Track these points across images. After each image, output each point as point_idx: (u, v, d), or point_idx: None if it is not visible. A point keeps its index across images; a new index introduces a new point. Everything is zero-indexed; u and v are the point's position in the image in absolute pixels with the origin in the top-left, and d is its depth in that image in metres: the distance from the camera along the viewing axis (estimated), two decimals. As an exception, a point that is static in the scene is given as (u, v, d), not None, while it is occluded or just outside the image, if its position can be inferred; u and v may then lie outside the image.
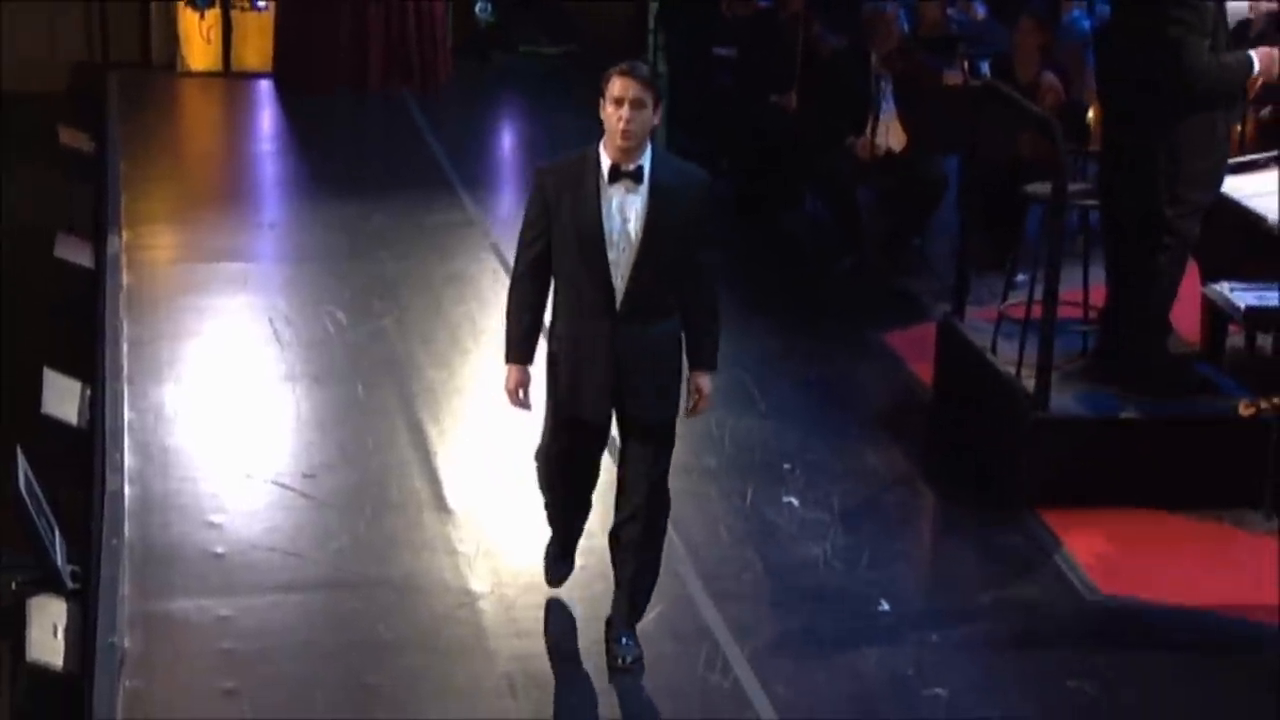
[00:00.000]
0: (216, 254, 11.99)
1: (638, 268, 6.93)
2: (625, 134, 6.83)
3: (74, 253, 11.61)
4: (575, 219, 6.92)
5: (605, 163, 6.94)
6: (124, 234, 12.08)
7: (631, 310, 6.97)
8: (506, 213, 13.07)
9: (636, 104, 6.83)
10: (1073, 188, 9.05)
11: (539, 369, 7.22)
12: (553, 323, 7.14)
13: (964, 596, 8.08)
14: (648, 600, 7.31)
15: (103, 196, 12.82)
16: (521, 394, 7.20)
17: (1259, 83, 8.77)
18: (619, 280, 6.95)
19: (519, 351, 7.18)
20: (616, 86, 6.85)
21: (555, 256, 7.02)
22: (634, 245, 6.92)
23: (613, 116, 6.86)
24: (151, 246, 12.07)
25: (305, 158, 14.27)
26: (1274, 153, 9.67)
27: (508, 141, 15.11)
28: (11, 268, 11.24)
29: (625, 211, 6.91)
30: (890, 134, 12.17)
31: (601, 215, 6.91)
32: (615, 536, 7.25)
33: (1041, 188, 9.13)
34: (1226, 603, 7.93)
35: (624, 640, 7.19)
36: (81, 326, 10.77)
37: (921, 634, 7.69)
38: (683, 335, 7.13)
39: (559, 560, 7.66)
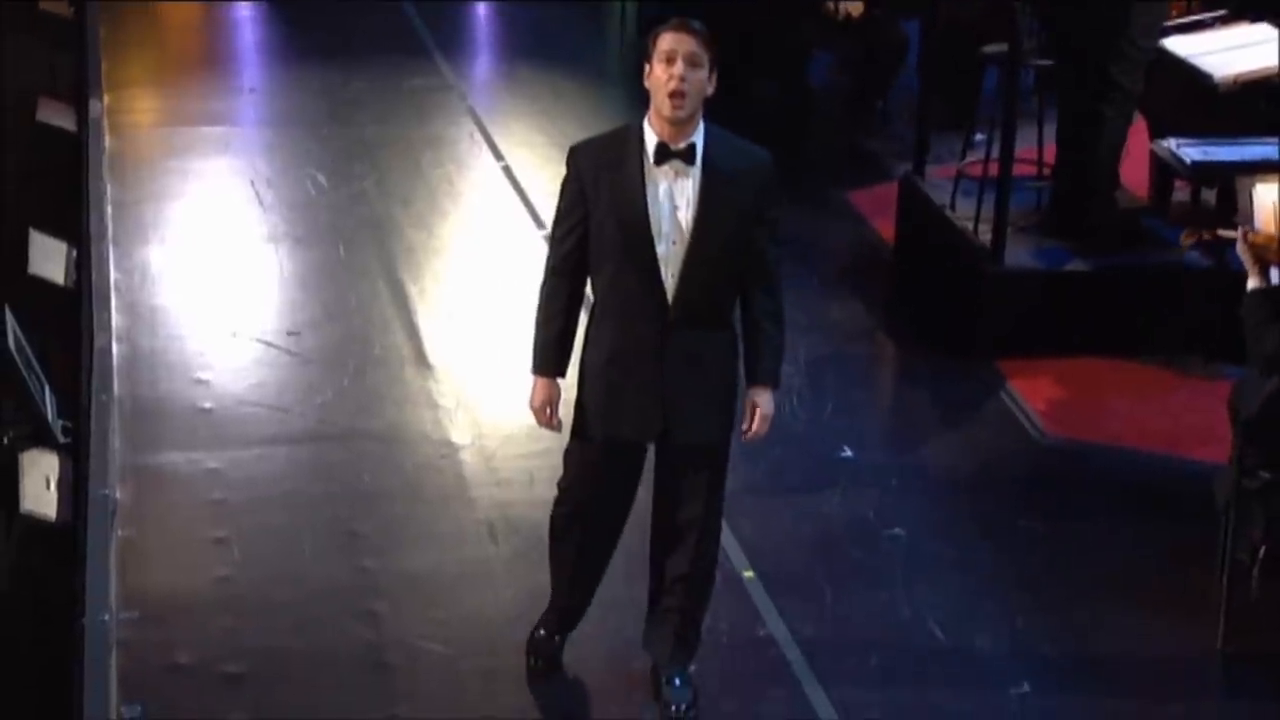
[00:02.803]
0: (197, 118, 12.05)
1: (690, 264, 5.84)
2: (676, 96, 5.72)
3: (57, 116, 11.59)
4: (616, 207, 5.83)
5: (651, 141, 5.83)
6: (105, 98, 12.13)
7: (685, 315, 5.88)
8: (482, 77, 13.23)
9: (691, 61, 5.74)
10: (1029, 49, 9.20)
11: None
12: (589, 328, 6.06)
13: (922, 442, 8.33)
14: (699, 635, 6.35)
15: (83, 62, 12.82)
16: (549, 412, 6.12)
17: None
18: (669, 279, 5.86)
19: (548, 363, 6.07)
20: (667, 41, 5.77)
21: (593, 251, 5.92)
22: (685, 238, 5.83)
23: (661, 77, 5.75)
24: (133, 110, 12.14)
25: (284, 24, 14.27)
26: (1220, 13, 9.84)
27: (483, 8, 15.09)
28: (-5, 131, 11.26)
29: (675, 198, 5.82)
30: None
31: (647, 202, 5.81)
32: (658, 578, 6.30)
33: (998, 49, 9.26)
34: (1169, 443, 8.17)
35: (677, 683, 6.23)
36: (65, 189, 10.78)
37: (881, 478, 7.90)
38: (740, 343, 6.10)
39: (547, 641, 6.47)
